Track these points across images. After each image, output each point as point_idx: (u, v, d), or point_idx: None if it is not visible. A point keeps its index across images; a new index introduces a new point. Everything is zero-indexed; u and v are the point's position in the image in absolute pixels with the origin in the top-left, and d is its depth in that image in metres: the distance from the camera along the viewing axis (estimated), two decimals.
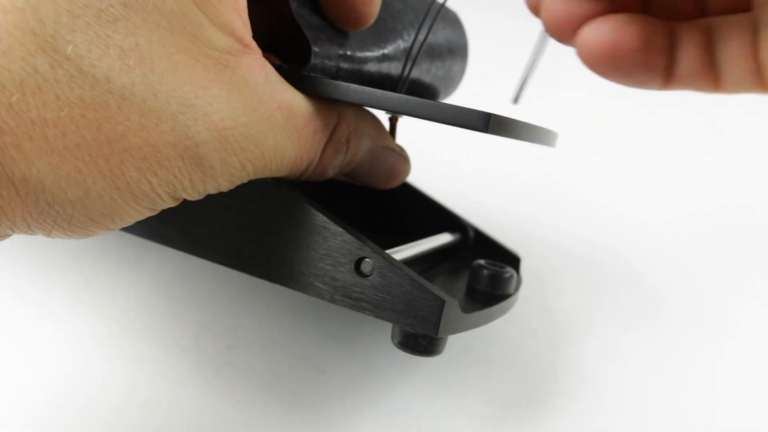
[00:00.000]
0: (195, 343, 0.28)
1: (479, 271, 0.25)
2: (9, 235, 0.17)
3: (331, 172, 0.23)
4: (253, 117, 0.19)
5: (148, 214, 0.18)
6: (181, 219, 0.23)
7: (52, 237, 0.18)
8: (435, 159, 0.41)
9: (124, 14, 0.16)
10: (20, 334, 0.27)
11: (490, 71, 0.45)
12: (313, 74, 0.21)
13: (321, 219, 0.21)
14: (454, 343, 0.28)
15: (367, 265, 0.21)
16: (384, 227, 0.22)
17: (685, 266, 0.36)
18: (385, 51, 0.25)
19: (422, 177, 0.32)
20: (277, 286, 0.28)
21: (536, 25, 0.23)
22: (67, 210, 0.17)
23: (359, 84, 0.20)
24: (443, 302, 0.20)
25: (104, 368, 0.26)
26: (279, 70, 0.21)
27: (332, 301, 0.22)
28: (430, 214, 0.30)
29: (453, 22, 0.31)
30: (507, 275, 0.25)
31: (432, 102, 0.19)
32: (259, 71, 0.19)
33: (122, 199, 0.17)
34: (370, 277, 0.21)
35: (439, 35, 0.29)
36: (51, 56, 0.15)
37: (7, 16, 0.15)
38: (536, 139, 0.22)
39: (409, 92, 0.27)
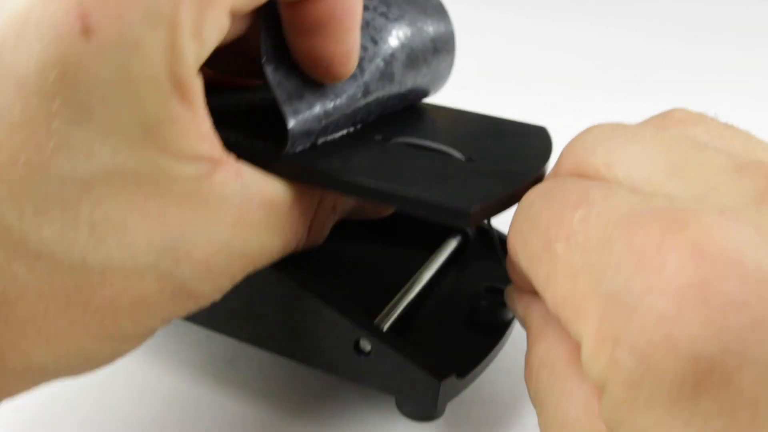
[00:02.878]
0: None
1: (477, 302, 0.26)
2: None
3: (323, 238, 0.23)
4: (235, 231, 0.19)
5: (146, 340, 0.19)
6: None
7: None
8: None
9: (86, 192, 0.16)
10: None
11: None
12: (290, 158, 0.20)
13: (313, 302, 0.22)
14: None
15: (365, 344, 0.22)
16: (389, 247, 0.22)
17: None
18: (365, 80, 0.23)
19: None
20: None
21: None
22: (71, 372, 0.17)
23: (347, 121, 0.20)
24: (439, 384, 0.21)
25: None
26: (254, 151, 0.20)
27: (338, 375, 0.22)
28: (431, 222, 0.30)
29: (436, 12, 0.29)
30: (503, 303, 0.25)
31: (429, 199, 0.19)
32: (234, 180, 0.19)
33: (123, 345, 0.18)
34: (369, 356, 0.22)
35: (424, 36, 0.27)
36: (25, 259, 0.15)
37: None
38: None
39: (398, 103, 0.26)
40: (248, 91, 0.26)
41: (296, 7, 0.19)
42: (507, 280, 0.26)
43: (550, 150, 0.25)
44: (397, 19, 0.25)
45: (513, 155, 0.23)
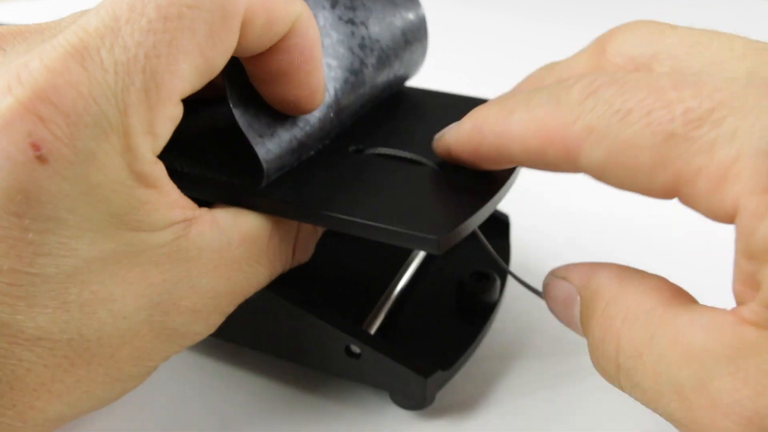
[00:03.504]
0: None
1: (464, 288, 0.27)
2: None
3: (309, 256, 0.24)
4: (218, 273, 0.20)
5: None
6: None
7: None
8: None
9: (70, 281, 0.17)
10: None
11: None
12: (265, 191, 0.21)
13: (303, 315, 0.23)
14: None
15: (355, 348, 0.23)
16: (370, 248, 0.23)
17: None
18: (335, 98, 0.24)
19: None
20: None
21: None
22: (87, 412, 0.19)
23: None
24: (425, 380, 0.23)
25: None
26: (229, 188, 0.21)
27: (333, 375, 0.24)
28: None
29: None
30: (488, 287, 0.27)
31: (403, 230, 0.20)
32: (210, 228, 0.20)
33: (130, 384, 0.20)
34: (360, 358, 0.23)
35: (393, 31, 0.27)
36: (25, 344, 0.17)
37: None
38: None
39: (373, 99, 0.26)
40: (224, 105, 0.27)
41: (255, 60, 0.20)
42: (491, 265, 0.28)
43: None
44: (364, 22, 0.25)
45: None
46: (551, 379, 0.27)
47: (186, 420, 0.25)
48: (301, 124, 0.22)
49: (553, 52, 0.24)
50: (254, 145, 0.21)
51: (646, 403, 0.17)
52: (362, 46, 0.25)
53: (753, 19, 0.65)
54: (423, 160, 0.23)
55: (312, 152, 0.23)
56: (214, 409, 0.25)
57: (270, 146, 0.21)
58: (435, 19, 0.34)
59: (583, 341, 0.19)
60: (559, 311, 0.21)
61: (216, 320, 0.21)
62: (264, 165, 0.21)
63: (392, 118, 0.26)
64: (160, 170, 0.18)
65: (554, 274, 0.21)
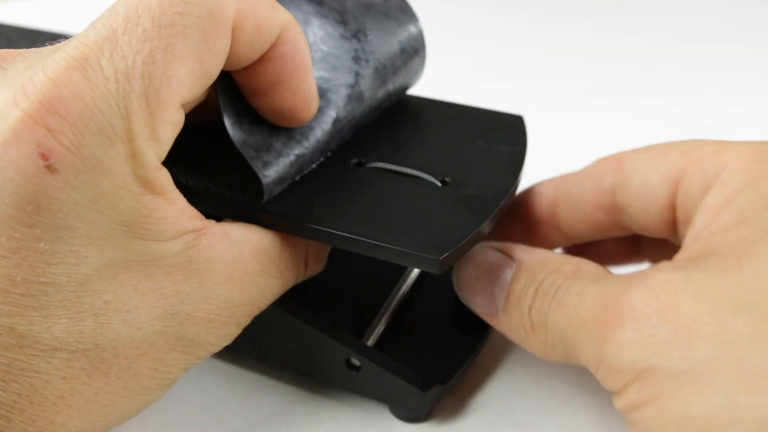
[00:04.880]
0: None
1: (460, 302, 0.27)
2: None
3: (323, 266, 0.24)
4: (231, 285, 0.20)
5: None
6: None
7: None
8: None
9: (83, 290, 0.17)
10: None
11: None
12: (268, 206, 0.22)
13: (304, 328, 0.23)
14: None
15: (355, 361, 0.24)
16: (370, 260, 0.23)
17: None
18: (333, 111, 0.24)
19: None
20: None
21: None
22: (109, 427, 0.20)
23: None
24: (424, 394, 0.23)
25: None
26: (233, 202, 0.22)
27: (335, 387, 0.25)
28: None
29: (399, 11, 0.28)
30: None
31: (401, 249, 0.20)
32: (221, 240, 0.20)
33: (149, 397, 0.20)
34: (361, 371, 0.24)
35: (390, 43, 0.27)
36: (42, 355, 0.17)
37: None
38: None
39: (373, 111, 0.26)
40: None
41: (248, 72, 0.20)
42: None
43: (524, 149, 0.26)
44: (356, 35, 0.25)
45: (487, 165, 0.24)
46: (551, 380, 0.27)
47: (186, 420, 0.25)
48: (298, 137, 0.23)
49: (551, 54, 0.25)
50: (250, 161, 0.21)
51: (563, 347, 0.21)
52: (356, 59, 0.25)
53: (753, 19, 0.65)
54: (423, 175, 0.23)
55: (314, 165, 0.24)
56: (214, 409, 0.26)
57: (267, 160, 0.21)
58: (433, 21, 0.34)
59: None
60: (478, 275, 0.23)
61: (232, 331, 0.21)
62: (262, 180, 0.21)
63: (393, 129, 0.26)
64: (165, 177, 0.18)
65: (489, 245, 0.24)
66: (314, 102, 0.22)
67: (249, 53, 0.20)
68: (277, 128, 0.22)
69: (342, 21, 0.25)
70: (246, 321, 0.21)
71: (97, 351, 0.18)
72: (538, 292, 0.21)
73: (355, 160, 0.24)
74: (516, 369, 0.28)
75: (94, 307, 0.17)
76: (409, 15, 0.28)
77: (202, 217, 0.20)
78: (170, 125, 0.18)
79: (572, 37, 0.61)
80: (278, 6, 0.20)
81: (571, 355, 0.21)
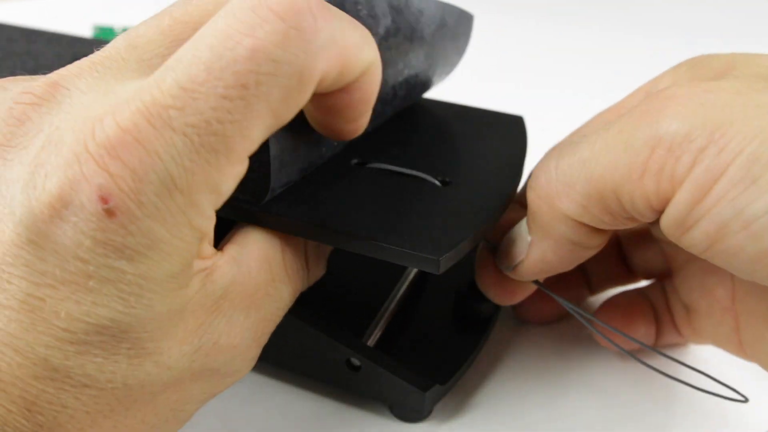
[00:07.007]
0: None
1: (462, 300, 0.27)
2: None
3: (323, 270, 0.24)
4: (248, 303, 0.20)
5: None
6: None
7: None
8: None
9: (122, 333, 0.17)
10: None
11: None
12: (268, 206, 0.22)
13: (305, 329, 0.23)
14: None
15: (355, 361, 0.24)
16: (370, 260, 0.23)
17: None
18: None
19: None
20: None
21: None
22: None
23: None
24: (424, 395, 0.23)
25: None
26: (234, 206, 0.21)
27: (335, 387, 0.25)
28: None
29: (464, 36, 0.28)
30: (486, 298, 0.27)
31: (400, 250, 0.20)
32: (229, 265, 0.20)
33: (168, 428, 0.20)
34: (360, 371, 0.24)
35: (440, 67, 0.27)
36: (72, 390, 0.17)
37: (17, 367, 0.16)
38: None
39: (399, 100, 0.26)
40: None
41: (318, 96, 0.19)
42: None
43: (524, 150, 0.26)
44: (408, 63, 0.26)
45: (488, 165, 0.24)
46: (551, 380, 0.27)
47: None
48: (318, 144, 0.23)
49: (552, 54, 0.25)
50: (273, 173, 0.21)
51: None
52: (400, 84, 0.25)
53: (753, 19, 0.65)
54: (424, 176, 0.23)
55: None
56: (214, 409, 0.26)
57: (282, 167, 0.21)
58: None
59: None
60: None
61: (254, 354, 0.21)
62: (271, 185, 0.21)
63: (394, 129, 0.27)
64: (211, 224, 0.18)
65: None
66: (363, 128, 0.22)
67: (323, 91, 0.19)
68: (301, 133, 0.22)
69: (409, 38, 0.25)
70: (265, 339, 0.21)
71: (125, 390, 0.18)
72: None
73: (355, 160, 0.24)
74: (516, 369, 0.28)
75: (131, 352, 0.17)
76: (464, 44, 0.29)
77: (214, 250, 0.20)
78: (233, 178, 0.17)
79: (573, 37, 0.61)
80: (366, 44, 0.19)
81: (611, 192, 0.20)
